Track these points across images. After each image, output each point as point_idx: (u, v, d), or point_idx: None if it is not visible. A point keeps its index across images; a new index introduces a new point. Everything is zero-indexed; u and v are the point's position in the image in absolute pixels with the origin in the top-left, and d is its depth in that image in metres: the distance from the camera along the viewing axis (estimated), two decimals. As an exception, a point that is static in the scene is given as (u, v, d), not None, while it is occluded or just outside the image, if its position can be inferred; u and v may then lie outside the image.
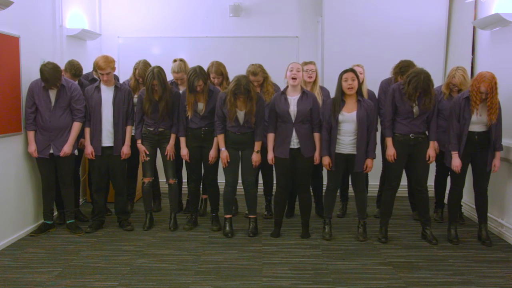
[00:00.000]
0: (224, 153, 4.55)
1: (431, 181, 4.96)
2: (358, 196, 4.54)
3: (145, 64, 5.04)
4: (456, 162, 4.31)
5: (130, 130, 4.79)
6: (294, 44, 6.45)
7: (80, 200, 5.52)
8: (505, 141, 4.46)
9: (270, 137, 4.52)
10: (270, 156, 4.52)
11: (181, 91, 4.85)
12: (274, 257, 4.13)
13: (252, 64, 4.89)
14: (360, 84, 4.42)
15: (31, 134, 4.52)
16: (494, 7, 4.80)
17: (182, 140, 4.74)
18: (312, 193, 4.93)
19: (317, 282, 3.66)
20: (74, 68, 4.84)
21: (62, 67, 4.89)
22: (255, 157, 4.55)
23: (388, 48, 5.96)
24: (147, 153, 4.76)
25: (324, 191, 4.71)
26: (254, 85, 4.64)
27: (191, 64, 4.94)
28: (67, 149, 4.56)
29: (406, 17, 6.08)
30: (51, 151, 4.54)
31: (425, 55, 5.78)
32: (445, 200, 5.07)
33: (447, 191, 4.96)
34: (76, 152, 4.71)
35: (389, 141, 4.45)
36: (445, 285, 3.61)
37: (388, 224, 4.59)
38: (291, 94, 4.45)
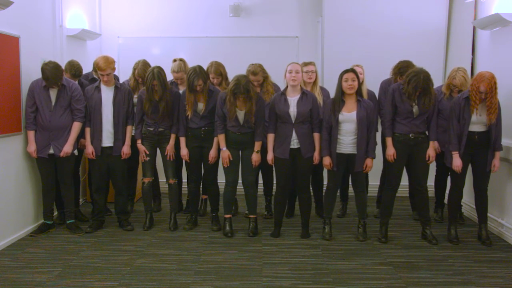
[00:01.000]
0: (226, 153, 4.55)
1: (431, 181, 4.96)
2: (358, 196, 4.54)
3: (145, 64, 5.04)
4: (456, 162, 4.31)
5: (130, 130, 4.79)
6: (294, 44, 6.45)
7: (80, 200, 5.52)
8: (505, 141, 4.46)
9: (270, 137, 4.52)
10: (270, 156, 4.52)
11: (181, 91, 4.85)
12: (274, 257, 4.13)
13: (252, 64, 4.89)
14: (360, 84, 4.42)
15: (31, 134, 4.52)
16: (494, 7, 4.80)
17: (182, 140, 4.74)
18: (312, 193, 4.93)
19: (317, 282, 3.66)
20: (74, 68, 4.84)
21: (62, 67, 4.89)
22: (255, 157, 4.55)
23: (388, 48, 5.96)
24: (147, 153, 4.76)
25: (324, 191, 4.71)
26: (254, 85, 4.64)
27: (191, 64, 4.94)
28: (67, 149, 4.56)
29: (406, 17, 6.08)
30: (51, 151, 4.54)
31: (425, 55, 5.78)
32: (445, 200, 5.08)
33: (447, 191, 4.96)
34: (76, 152, 4.71)
35: (389, 141, 4.45)
36: (445, 285, 3.61)
37: (388, 224, 4.59)
38: (291, 95, 4.45)
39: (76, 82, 4.82)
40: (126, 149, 4.75)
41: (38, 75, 4.48)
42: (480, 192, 4.44)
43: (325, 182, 4.71)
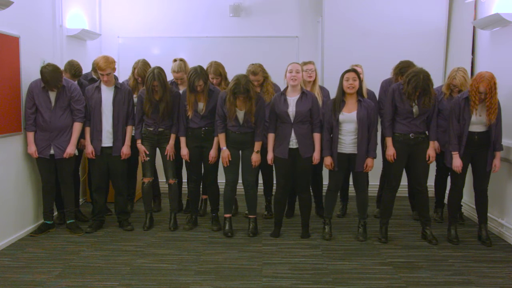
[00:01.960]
0: (226, 152, 4.55)
1: (431, 181, 4.96)
2: (359, 196, 4.54)
3: (144, 63, 5.04)
4: (457, 162, 4.31)
5: (130, 130, 4.79)
6: (294, 44, 6.45)
7: (80, 200, 5.53)
8: (505, 141, 4.46)
9: (270, 137, 4.52)
10: (270, 156, 4.52)
11: (181, 91, 4.85)
12: (274, 257, 4.13)
13: (252, 64, 4.89)
14: (361, 84, 4.42)
15: (30, 135, 4.51)
16: (494, 7, 4.80)
17: (182, 140, 4.74)
18: (312, 193, 4.93)
19: (317, 282, 3.66)
20: (74, 68, 4.84)
21: (62, 67, 4.90)
22: (255, 157, 4.55)
23: (388, 48, 5.97)
24: (147, 153, 4.76)
25: (324, 191, 4.71)
26: (254, 84, 4.64)
27: (191, 64, 4.94)
28: (70, 150, 4.57)
29: (406, 17, 6.08)
30: (52, 151, 4.54)
31: (425, 55, 5.78)
32: (445, 200, 5.08)
33: (447, 191, 4.96)
34: (76, 152, 4.71)
35: (389, 141, 4.45)
36: (445, 285, 3.61)
37: (388, 224, 4.59)
38: (291, 95, 4.45)
39: (76, 82, 4.82)
40: (125, 150, 4.75)
41: (38, 75, 4.47)
42: (480, 192, 4.44)
43: (325, 182, 4.70)
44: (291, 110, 4.40)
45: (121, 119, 4.71)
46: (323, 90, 5.04)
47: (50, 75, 4.35)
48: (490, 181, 4.43)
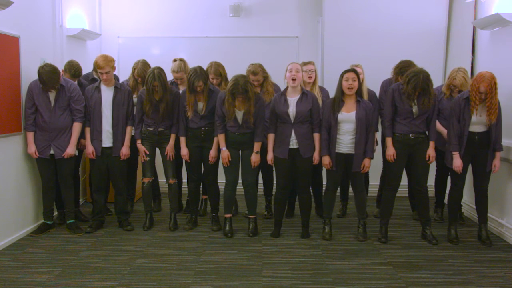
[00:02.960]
0: (225, 153, 4.55)
1: (431, 181, 4.96)
2: (357, 196, 4.54)
3: (144, 64, 5.04)
4: (457, 162, 4.31)
5: (130, 131, 4.79)
6: (294, 44, 6.45)
7: (80, 200, 5.52)
8: (505, 141, 4.46)
9: (270, 137, 4.52)
10: (270, 156, 4.52)
11: (181, 91, 4.85)
12: (274, 257, 4.13)
13: (252, 64, 4.89)
14: (360, 85, 4.42)
15: (30, 135, 4.51)
16: (494, 7, 4.80)
17: (182, 139, 4.74)
18: (312, 193, 4.93)
19: (317, 282, 3.66)
20: (73, 68, 4.83)
21: (62, 67, 4.90)
22: (254, 158, 4.55)
23: (388, 48, 5.97)
24: (147, 153, 4.76)
25: (324, 191, 4.71)
26: (253, 85, 4.64)
27: (191, 64, 4.94)
28: (70, 150, 4.57)
29: (406, 17, 6.08)
30: (52, 152, 4.54)
31: (425, 55, 5.78)
32: (445, 200, 5.08)
33: (447, 191, 4.96)
34: (76, 152, 4.71)
35: (389, 141, 4.45)
36: (445, 285, 3.61)
37: (388, 224, 4.59)
38: (291, 95, 4.45)
39: (76, 82, 4.82)
40: (125, 150, 4.75)
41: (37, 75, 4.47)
42: (480, 192, 4.44)
43: (325, 182, 4.70)
44: (292, 110, 4.40)
45: (121, 119, 4.71)
46: (323, 91, 5.04)
47: (47, 76, 4.35)
48: (490, 181, 4.43)
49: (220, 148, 4.61)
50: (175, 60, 5.06)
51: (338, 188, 4.81)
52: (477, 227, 4.58)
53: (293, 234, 4.71)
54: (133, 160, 5.14)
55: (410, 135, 4.39)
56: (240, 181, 4.69)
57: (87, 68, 5.38)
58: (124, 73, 5.94)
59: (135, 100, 4.83)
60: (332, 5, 6.12)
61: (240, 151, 4.62)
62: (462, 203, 4.91)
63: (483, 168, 4.36)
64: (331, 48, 6.13)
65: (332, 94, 4.67)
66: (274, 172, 4.76)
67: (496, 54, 4.92)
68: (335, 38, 6.12)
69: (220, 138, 4.57)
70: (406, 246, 4.42)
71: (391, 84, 4.78)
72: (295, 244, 4.46)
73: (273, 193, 4.90)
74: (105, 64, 4.54)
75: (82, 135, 4.75)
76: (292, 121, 4.40)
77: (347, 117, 4.34)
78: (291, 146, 4.43)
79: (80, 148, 4.86)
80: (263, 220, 5.17)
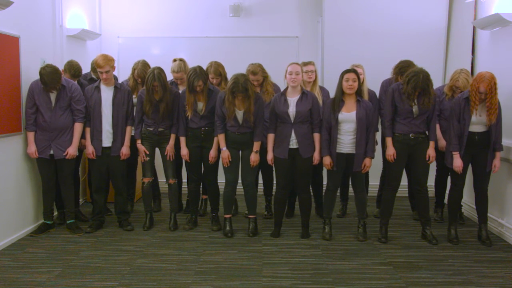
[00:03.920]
0: (226, 153, 4.55)
1: (431, 181, 4.96)
2: (357, 196, 4.54)
3: (144, 64, 5.04)
4: (457, 162, 4.31)
5: (129, 131, 4.79)
6: (294, 44, 6.45)
7: (80, 200, 5.53)
8: (505, 141, 4.46)
9: (270, 137, 4.52)
10: (270, 156, 4.52)
11: (180, 91, 4.85)
12: (274, 257, 4.13)
13: (252, 64, 4.89)
14: (360, 85, 4.42)
15: (31, 135, 4.51)
16: (494, 7, 4.80)
17: (182, 139, 4.73)
18: (312, 193, 4.93)
19: (317, 282, 3.66)
20: (73, 68, 4.83)
21: (62, 67, 4.90)
22: (253, 157, 4.55)
23: (388, 48, 5.97)
24: (147, 153, 4.76)
25: (324, 191, 4.71)
26: (253, 84, 4.65)
27: (191, 64, 4.94)
28: (72, 151, 4.57)
29: (406, 17, 6.08)
30: (51, 152, 4.54)
31: (425, 55, 5.78)
32: (445, 200, 5.08)
33: (447, 191, 4.96)
34: (76, 152, 4.71)
35: (389, 141, 4.45)
36: (445, 285, 3.61)
37: (388, 224, 4.59)
38: (291, 95, 4.45)
39: (76, 82, 4.82)
40: (125, 150, 4.75)
41: (38, 76, 4.47)
42: (481, 192, 4.44)
43: (325, 182, 4.70)
44: (292, 110, 4.40)
45: (121, 119, 4.71)
46: (323, 90, 5.04)
47: (48, 77, 4.35)
48: (490, 181, 4.43)
49: (220, 148, 4.61)
50: (175, 60, 5.06)
51: (338, 188, 4.81)
52: (477, 227, 4.58)
53: (293, 234, 4.71)
54: (133, 160, 5.14)
55: (410, 135, 4.39)
56: (240, 181, 4.69)
57: (87, 68, 5.38)
58: (124, 73, 5.94)
59: (135, 100, 4.83)
60: (332, 5, 6.12)
61: (240, 151, 4.62)
62: (462, 203, 4.91)
63: (483, 168, 4.36)
64: (331, 48, 6.13)
65: (332, 94, 4.67)
66: (274, 172, 4.76)
67: (496, 54, 4.92)
68: (335, 38, 6.12)
69: (220, 138, 4.57)
70: (406, 246, 4.42)
71: (391, 84, 4.78)
72: (295, 244, 4.46)
73: (273, 193, 4.90)
74: (105, 63, 4.54)
75: (82, 135, 4.74)
76: (292, 121, 4.40)
77: (348, 117, 4.34)
78: (291, 146, 4.43)
79: (80, 148, 4.86)
80: (263, 220, 5.17)
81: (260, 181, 5.19)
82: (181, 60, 5.06)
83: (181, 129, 4.72)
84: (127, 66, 5.51)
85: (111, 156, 4.72)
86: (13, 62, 4.42)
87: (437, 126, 4.66)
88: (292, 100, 4.43)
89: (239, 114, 4.47)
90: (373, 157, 4.42)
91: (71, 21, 5.64)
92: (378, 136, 4.79)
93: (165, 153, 4.76)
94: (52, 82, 4.37)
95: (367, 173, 4.78)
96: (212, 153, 4.68)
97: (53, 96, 4.51)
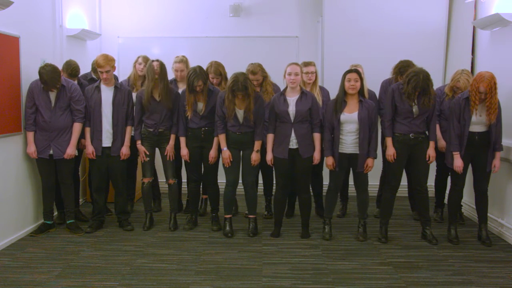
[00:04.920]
0: (227, 153, 4.55)
1: (431, 181, 4.96)
2: (360, 196, 4.54)
3: (145, 59, 5.12)
4: (458, 162, 4.31)
5: (129, 131, 4.79)
6: (294, 44, 6.45)
7: (80, 200, 5.52)
8: (505, 141, 4.46)
9: (270, 137, 4.52)
10: (269, 157, 4.52)
11: (180, 91, 4.86)
12: (274, 257, 4.13)
13: (252, 63, 4.90)
14: (361, 85, 4.42)
15: (30, 135, 4.51)
16: (494, 7, 4.80)
17: (182, 140, 4.73)
18: (312, 193, 4.93)
19: (317, 282, 3.66)
20: (70, 68, 4.83)
21: (61, 67, 4.90)
22: (254, 156, 4.55)
23: (388, 48, 5.97)
24: (147, 153, 4.75)
25: (325, 191, 4.71)
26: (253, 84, 4.64)
27: (191, 64, 4.95)
28: (70, 151, 4.57)
29: (406, 17, 6.08)
30: (51, 152, 4.54)
31: (425, 55, 5.78)
32: (445, 200, 5.08)
33: (447, 191, 4.96)
34: (76, 152, 4.71)
35: (389, 141, 4.45)
36: (445, 285, 3.61)
37: (388, 224, 4.59)
38: (290, 95, 4.45)
39: (75, 82, 4.82)
40: (125, 150, 4.75)
41: (38, 75, 4.47)
42: (481, 192, 4.44)
43: (325, 182, 4.70)
44: (291, 109, 4.39)
45: (121, 119, 4.71)
46: (323, 91, 5.04)
47: (48, 76, 4.35)
48: (490, 181, 4.43)
49: (220, 148, 4.61)
50: (177, 57, 5.16)
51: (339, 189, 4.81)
52: (477, 227, 4.58)
53: (293, 234, 4.71)
54: (133, 160, 5.14)
55: (410, 135, 4.39)
56: (240, 181, 4.69)
57: (87, 68, 5.38)
58: (124, 73, 5.94)
59: (135, 100, 4.83)
60: (332, 5, 6.12)
61: (241, 151, 4.62)
62: (462, 203, 4.92)
63: (483, 168, 4.36)
64: (331, 48, 6.13)
65: (332, 94, 4.67)
66: (273, 172, 4.76)
67: (496, 54, 4.92)
68: (335, 38, 6.12)
69: (221, 138, 4.57)
70: (406, 246, 4.42)
71: (390, 84, 4.78)
72: (295, 244, 4.46)
73: (273, 193, 4.90)
74: (105, 63, 4.54)
75: (82, 135, 4.74)
76: (292, 121, 4.40)
77: (350, 117, 4.34)
78: (291, 146, 4.43)
79: (81, 148, 4.86)
80: (263, 220, 5.17)
81: (260, 181, 5.18)
82: (183, 56, 5.17)
83: (181, 129, 4.72)
84: (127, 66, 5.51)
85: (111, 156, 4.72)
86: (13, 62, 4.42)
87: (437, 126, 4.66)
88: (292, 99, 4.43)
89: (240, 113, 4.47)
90: (375, 157, 4.42)
91: (71, 21, 5.64)
92: (378, 136, 4.79)
93: (165, 153, 4.76)
94: (51, 81, 4.37)
95: (367, 173, 4.77)
96: (212, 153, 4.68)
97: (52, 96, 4.51)
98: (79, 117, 4.62)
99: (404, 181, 4.78)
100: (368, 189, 4.57)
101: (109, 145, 4.71)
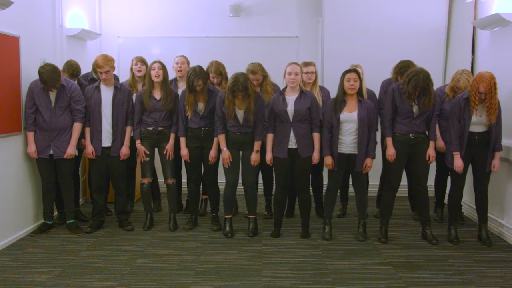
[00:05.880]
0: (226, 153, 4.54)
1: (431, 181, 4.96)
2: (358, 196, 4.54)
3: (140, 58, 5.17)
4: (458, 162, 4.31)
5: (129, 131, 4.79)
6: (294, 44, 6.45)
7: (80, 200, 5.52)
8: (505, 142, 4.46)
9: (269, 137, 4.52)
10: (269, 156, 4.52)
11: (180, 90, 4.86)
12: (274, 257, 4.13)
13: (252, 63, 4.90)
14: (360, 85, 4.42)
15: (30, 135, 4.51)
16: (494, 7, 4.80)
17: (182, 140, 4.73)
18: (312, 193, 4.93)
19: (317, 282, 3.66)
20: (71, 68, 4.83)
21: (62, 67, 4.90)
22: (254, 157, 4.55)
23: (388, 48, 5.97)
24: (147, 153, 4.75)
25: (324, 191, 4.71)
26: (253, 84, 4.64)
27: (191, 64, 4.95)
28: (70, 151, 4.57)
29: (406, 17, 6.08)
30: (51, 152, 4.54)
31: (425, 55, 5.78)
32: (445, 200, 5.08)
33: (447, 191, 4.96)
34: (76, 152, 4.71)
35: (389, 141, 4.45)
36: (445, 285, 3.61)
37: (388, 224, 4.59)
38: (290, 94, 4.45)
39: (76, 82, 4.82)
40: (125, 150, 4.75)
41: (38, 75, 4.47)
42: (481, 192, 4.44)
43: (325, 182, 4.70)
44: (290, 108, 4.39)
45: (121, 119, 4.71)
46: (323, 90, 5.04)
47: (48, 76, 4.35)
48: (490, 181, 4.43)
49: (220, 149, 4.61)
50: (177, 57, 5.21)
51: (339, 188, 4.81)
52: (477, 227, 4.58)
53: (293, 234, 4.71)
54: (133, 160, 5.14)
55: (410, 135, 4.39)
56: (240, 181, 4.69)
57: (87, 68, 5.38)
58: (124, 73, 5.93)
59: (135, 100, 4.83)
60: (332, 5, 6.12)
61: (240, 151, 4.62)
62: (462, 203, 4.91)
63: (483, 168, 4.35)
64: (331, 48, 6.14)
65: (332, 93, 4.67)
66: (273, 172, 4.76)
67: (496, 54, 4.92)
68: (335, 38, 6.12)
69: (221, 139, 4.57)
70: (406, 246, 4.42)
71: (390, 84, 4.78)
72: (295, 244, 4.46)
73: (273, 193, 4.90)
74: (104, 64, 4.54)
75: (82, 135, 4.75)
76: (291, 120, 4.40)
77: (349, 117, 4.34)
78: (290, 146, 4.43)
79: (81, 148, 4.86)
80: (263, 220, 5.17)
81: (260, 181, 5.18)
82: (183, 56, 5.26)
83: (181, 129, 4.72)
84: (127, 66, 5.51)
85: (111, 156, 4.72)
86: (13, 62, 4.42)
87: (437, 126, 4.66)
88: (291, 98, 4.43)
89: (240, 114, 4.47)
90: (374, 157, 4.42)
91: (71, 21, 5.64)
92: (378, 136, 4.79)
93: (164, 152, 4.76)
94: (51, 81, 4.37)
95: (367, 173, 4.77)
96: (212, 153, 4.68)
97: (52, 96, 4.52)
98: (79, 117, 4.62)
99: (404, 181, 4.78)
100: (368, 189, 4.57)
101: (109, 145, 4.71)
